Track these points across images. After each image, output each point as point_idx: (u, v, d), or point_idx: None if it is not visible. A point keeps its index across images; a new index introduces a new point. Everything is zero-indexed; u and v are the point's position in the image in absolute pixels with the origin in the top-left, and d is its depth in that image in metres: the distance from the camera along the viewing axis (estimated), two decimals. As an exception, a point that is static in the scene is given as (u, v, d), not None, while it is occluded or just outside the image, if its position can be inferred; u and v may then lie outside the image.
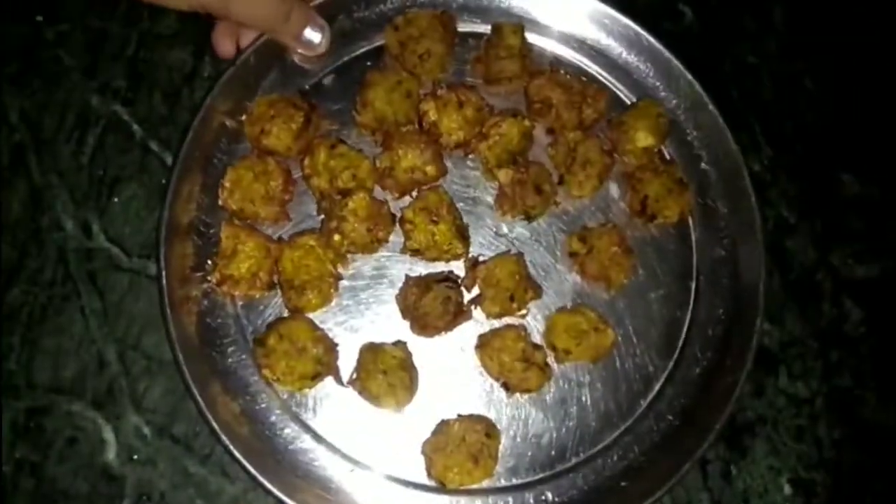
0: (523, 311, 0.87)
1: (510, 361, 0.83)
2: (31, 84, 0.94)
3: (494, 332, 0.85)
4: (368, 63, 0.94)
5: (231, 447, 0.79)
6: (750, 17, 1.09)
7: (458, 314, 0.85)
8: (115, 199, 0.91)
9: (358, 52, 0.95)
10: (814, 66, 1.08)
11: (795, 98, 1.06)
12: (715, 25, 1.07)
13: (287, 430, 0.84)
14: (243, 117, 0.90)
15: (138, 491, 0.83)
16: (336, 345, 0.85)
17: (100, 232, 0.90)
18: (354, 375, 0.84)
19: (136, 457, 0.84)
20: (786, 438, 0.93)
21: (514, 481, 0.85)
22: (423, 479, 0.83)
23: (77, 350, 0.86)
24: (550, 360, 0.87)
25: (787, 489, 0.92)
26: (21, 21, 0.96)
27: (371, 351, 0.83)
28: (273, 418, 0.84)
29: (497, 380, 0.85)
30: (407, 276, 0.87)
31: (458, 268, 0.89)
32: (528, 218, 0.90)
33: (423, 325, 0.84)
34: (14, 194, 0.91)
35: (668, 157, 0.96)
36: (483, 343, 0.85)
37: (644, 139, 0.92)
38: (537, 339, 0.88)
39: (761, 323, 0.87)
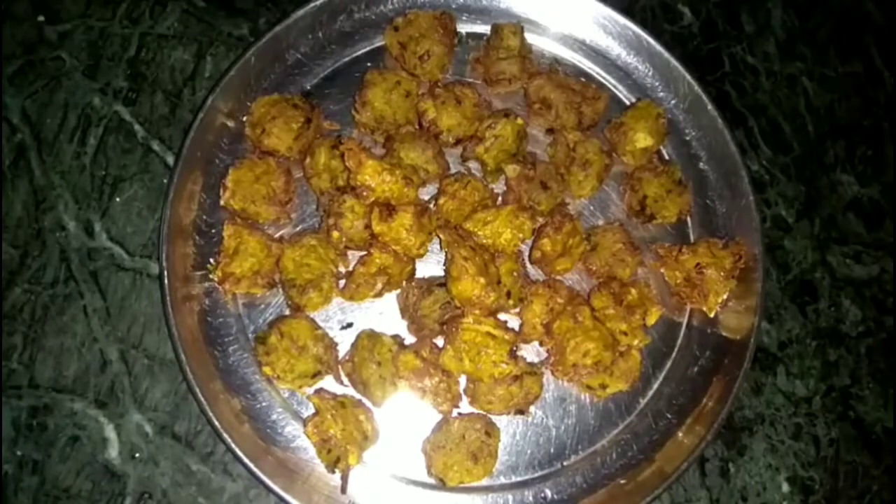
0: (518, 309, 0.87)
1: (504, 392, 0.82)
2: (33, 84, 0.95)
3: (479, 381, 0.83)
4: (368, 63, 0.95)
5: (232, 445, 0.79)
6: (749, 18, 1.09)
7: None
8: (117, 199, 0.92)
9: (358, 53, 0.96)
10: (812, 67, 1.08)
11: (794, 98, 1.06)
12: (714, 26, 1.08)
13: (288, 429, 0.85)
14: (244, 118, 0.90)
15: (140, 489, 0.84)
16: (336, 344, 0.85)
17: (102, 232, 0.91)
18: (347, 357, 0.84)
19: (137, 455, 0.85)
20: (784, 437, 0.93)
21: (514, 479, 0.86)
22: (424, 476, 0.84)
23: (79, 349, 0.87)
24: (534, 357, 0.88)
25: (785, 487, 0.92)
26: (23, 21, 0.96)
27: (370, 338, 0.83)
28: (274, 416, 0.85)
29: (509, 413, 0.85)
30: (409, 277, 0.88)
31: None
32: (535, 214, 0.89)
33: (420, 326, 0.85)
34: (16, 194, 0.91)
35: (667, 157, 0.97)
36: (476, 392, 0.84)
37: (643, 140, 0.92)
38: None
39: (759, 322, 0.88)
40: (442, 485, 0.82)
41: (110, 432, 0.85)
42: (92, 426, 0.85)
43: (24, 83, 0.94)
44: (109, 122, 0.94)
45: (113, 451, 0.85)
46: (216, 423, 0.79)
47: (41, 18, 0.97)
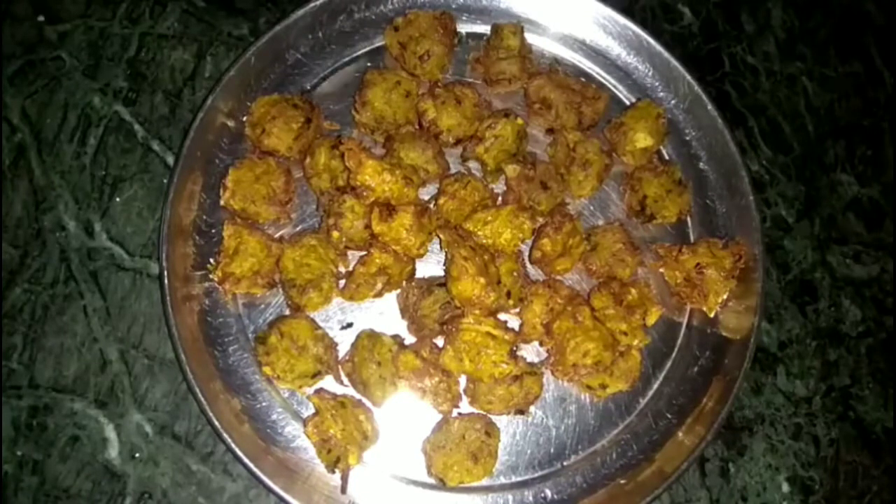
0: (518, 309, 0.87)
1: (504, 392, 0.82)
2: (33, 84, 0.95)
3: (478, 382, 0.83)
4: (368, 63, 0.95)
5: (232, 445, 0.79)
6: (749, 18, 1.09)
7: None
8: (117, 199, 0.92)
9: (358, 53, 0.96)
10: (812, 67, 1.08)
11: (794, 98, 1.06)
12: (714, 25, 1.08)
13: (288, 429, 0.85)
14: (244, 118, 0.90)
15: (140, 489, 0.84)
16: (336, 344, 0.85)
17: (102, 232, 0.91)
18: (347, 357, 0.84)
19: (137, 455, 0.85)
20: (784, 437, 0.94)
21: (514, 479, 0.86)
22: (424, 476, 0.84)
23: (79, 349, 0.87)
24: (534, 357, 0.88)
25: (785, 487, 0.92)
26: (23, 21, 0.96)
27: (370, 338, 0.83)
28: (274, 416, 0.85)
29: (509, 413, 0.85)
30: (409, 277, 0.88)
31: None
32: (535, 214, 0.88)
33: (420, 326, 0.85)
34: (16, 194, 0.91)
35: (666, 157, 0.97)
36: (476, 392, 0.84)
37: (643, 140, 0.92)
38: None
39: (759, 322, 0.88)
40: (442, 485, 0.82)
41: (110, 432, 0.85)
42: (92, 426, 0.85)
43: (24, 83, 0.94)
44: (109, 122, 0.94)
45: (113, 451, 0.85)
46: (216, 422, 0.79)
47: (41, 18, 0.97)
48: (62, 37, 0.96)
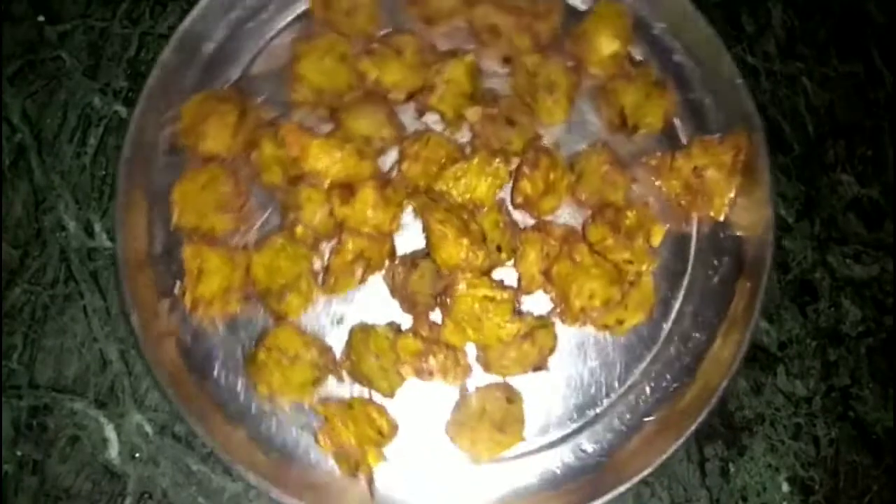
0: (513, 261, 0.82)
1: (517, 352, 0.78)
2: (33, 84, 0.95)
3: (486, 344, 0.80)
4: (294, 34, 0.87)
5: (252, 481, 0.76)
6: (749, 18, 1.09)
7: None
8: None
9: (281, 25, 0.88)
10: (812, 67, 1.08)
11: (794, 98, 1.06)
12: (714, 26, 1.07)
13: (303, 444, 0.81)
14: (174, 125, 0.83)
15: (140, 489, 0.84)
16: (330, 347, 0.82)
17: (102, 232, 0.91)
18: (344, 357, 0.81)
19: (137, 455, 0.85)
20: (784, 437, 0.93)
21: (548, 438, 0.81)
22: (455, 458, 0.80)
23: (79, 349, 0.87)
24: (542, 307, 0.83)
25: (785, 487, 0.92)
26: (23, 21, 0.96)
27: (363, 331, 0.80)
28: (285, 437, 0.81)
29: (527, 373, 0.81)
30: (390, 255, 0.83)
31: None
32: (507, 155, 0.81)
33: (413, 303, 0.81)
34: (16, 194, 0.91)
35: (638, 58, 0.89)
36: (488, 359, 0.81)
37: (608, 45, 0.85)
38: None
39: (774, 213, 0.82)
40: (475, 462, 0.79)
41: (110, 432, 0.85)
42: (92, 426, 0.85)
43: (24, 83, 0.94)
44: (109, 122, 0.94)
45: (113, 451, 0.85)
46: (229, 460, 0.77)
47: (41, 18, 0.97)
48: (62, 37, 0.96)
